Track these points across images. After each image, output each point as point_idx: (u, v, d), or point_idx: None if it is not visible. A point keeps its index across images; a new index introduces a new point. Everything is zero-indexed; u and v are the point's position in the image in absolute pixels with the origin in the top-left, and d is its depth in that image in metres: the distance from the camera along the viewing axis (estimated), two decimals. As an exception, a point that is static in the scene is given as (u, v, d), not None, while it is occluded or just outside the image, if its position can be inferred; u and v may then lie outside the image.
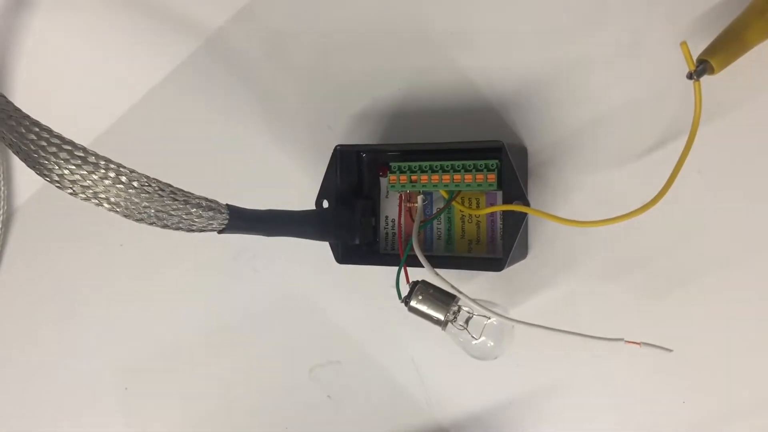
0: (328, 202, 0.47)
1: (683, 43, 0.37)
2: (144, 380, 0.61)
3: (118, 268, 0.61)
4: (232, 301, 0.57)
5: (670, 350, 0.38)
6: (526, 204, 0.42)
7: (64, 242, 0.63)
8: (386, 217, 0.49)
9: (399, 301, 0.43)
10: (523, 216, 0.42)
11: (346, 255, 0.47)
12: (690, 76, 0.37)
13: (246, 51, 0.55)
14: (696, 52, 0.38)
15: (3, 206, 0.65)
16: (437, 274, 0.41)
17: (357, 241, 0.47)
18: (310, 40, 0.53)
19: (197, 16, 0.57)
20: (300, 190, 0.53)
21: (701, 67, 0.37)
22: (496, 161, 0.43)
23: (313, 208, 0.47)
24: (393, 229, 0.49)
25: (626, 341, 0.38)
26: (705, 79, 0.38)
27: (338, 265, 0.47)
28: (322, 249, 0.47)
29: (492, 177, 0.43)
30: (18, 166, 0.65)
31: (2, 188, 0.64)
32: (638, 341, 0.38)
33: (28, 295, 0.65)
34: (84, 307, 0.63)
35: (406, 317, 0.43)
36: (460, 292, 0.41)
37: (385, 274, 0.50)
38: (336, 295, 0.54)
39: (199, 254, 0.58)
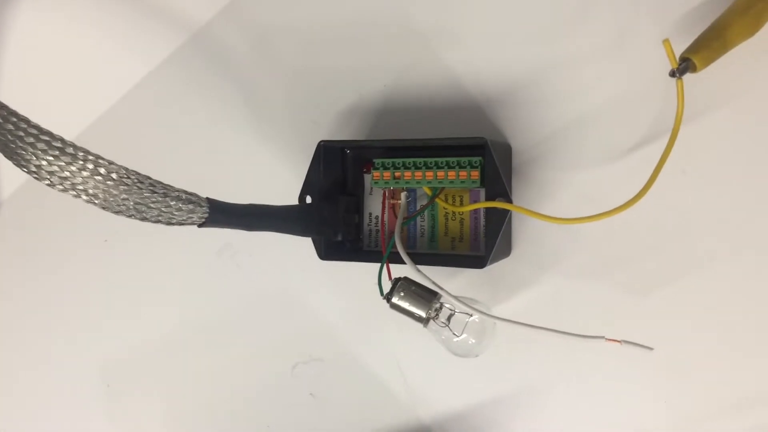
0: (312, 197, 0.47)
1: (666, 41, 0.37)
2: (126, 377, 0.61)
3: (101, 264, 0.61)
4: (215, 297, 0.57)
5: (651, 349, 0.38)
6: (509, 201, 0.41)
7: (47, 238, 0.63)
8: (370, 213, 0.49)
9: (381, 297, 0.43)
10: (506, 213, 0.42)
11: (328, 251, 0.47)
12: (673, 74, 0.38)
13: (232, 46, 0.55)
14: (679, 51, 0.38)
15: (-14, 200, 0.64)
16: (419, 271, 0.41)
17: (340, 238, 0.47)
18: (296, 36, 0.53)
19: (183, 11, 0.57)
20: (285, 185, 0.52)
21: (684, 65, 0.37)
22: (480, 158, 0.43)
23: (296, 203, 0.47)
24: (376, 226, 0.49)
25: (607, 339, 0.38)
26: (687, 77, 0.38)
27: (321, 261, 0.47)
28: (306, 245, 0.47)
29: (475, 174, 0.43)
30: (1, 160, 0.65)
31: (-15, 182, 0.64)
32: (619, 339, 0.38)
33: (10, 290, 0.65)
34: (66, 303, 0.62)
35: (389, 314, 0.43)
36: (442, 289, 0.41)
37: (368, 271, 0.49)
38: (319, 292, 0.53)
39: (182, 250, 0.58)
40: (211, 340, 0.57)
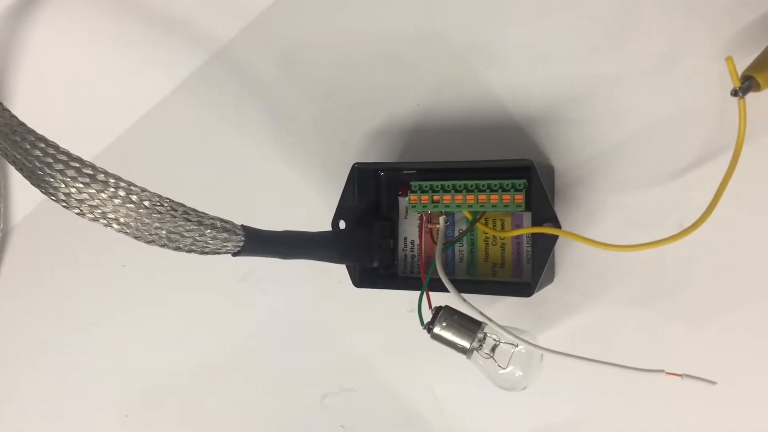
0: (345, 222, 0.45)
1: (729, 58, 0.35)
2: (145, 408, 0.58)
3: (119, 290, 0.59)
4: (240, 326, 0.55)
5: (714, 383, 0.36)
6: (558, 226, 0.39)
7: (63, 262, 0.61)
8: (405, 238, 0.47)
9: (421, 327, 0.41)
10: (554, 239, 0.40)
11: (363, 278, 0.45)
12: (735, 93, 0.36)
13: (257, 64, 0.53)
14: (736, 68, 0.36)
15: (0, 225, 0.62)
16: (464, 300, 0.39)
17: (375, 264, 0.45)
18: (323, 53, 0.51)
19: (207, 28, 0.55)
20: (312, 209, 0.51)
21: (746, 84, 0.36)
22: (524, 181, 0.41)
23: (328, 229, 0.45)
24: (412, 252, 0.47)
25: (666, 373, 0.36)
26: (748, 97, 0.36)
27: (348, 287, 0.45)
28: (332, 272, 0.45)
29: (519, 197, 0.41)
30: (15, 181, 0.63)
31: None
32: (680, 373, 0.36)
33: (24, 317, 0.63)
34: (83, 331, 0.60)
35: (423, 343, 0.41)
36: (490, 319, 0.39)
37: (397, 297, 0.48)
38: (347, 319, 0.51)
39: (204, 276, 0.55)
40: (235, 370, 0.55)
